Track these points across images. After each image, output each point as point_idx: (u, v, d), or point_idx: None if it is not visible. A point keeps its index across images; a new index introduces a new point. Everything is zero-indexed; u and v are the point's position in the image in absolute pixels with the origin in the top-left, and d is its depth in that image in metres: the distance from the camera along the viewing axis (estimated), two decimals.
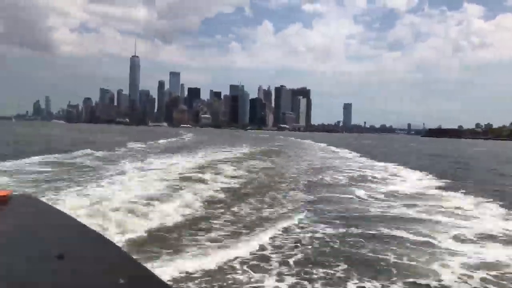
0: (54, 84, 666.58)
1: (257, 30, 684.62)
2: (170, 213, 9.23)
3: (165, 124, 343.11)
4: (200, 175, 14.78)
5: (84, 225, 2.90)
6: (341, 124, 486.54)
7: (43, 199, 7.66)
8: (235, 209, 10.23)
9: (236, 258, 6.49)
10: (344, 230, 8.39)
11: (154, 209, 9.22)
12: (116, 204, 9.18)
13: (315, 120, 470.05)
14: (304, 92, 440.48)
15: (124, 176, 13.85)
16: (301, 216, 9.68)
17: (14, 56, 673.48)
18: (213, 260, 6.32)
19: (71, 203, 8.98)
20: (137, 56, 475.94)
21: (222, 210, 10.03)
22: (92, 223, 7.47)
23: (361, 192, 13.35)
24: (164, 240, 7.38)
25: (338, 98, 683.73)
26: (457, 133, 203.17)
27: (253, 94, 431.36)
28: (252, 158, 24.63)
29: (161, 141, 45.84)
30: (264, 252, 6.96)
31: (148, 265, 5.33)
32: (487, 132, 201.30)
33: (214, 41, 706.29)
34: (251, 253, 6.79)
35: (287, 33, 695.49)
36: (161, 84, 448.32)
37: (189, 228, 8.26)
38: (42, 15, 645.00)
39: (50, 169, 15.46)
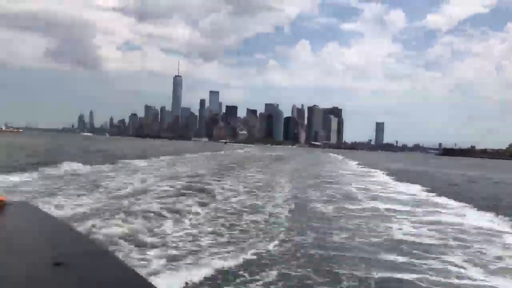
0: (98, 99, 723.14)
1: (295, 49, 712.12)
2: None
3: (206, 139, 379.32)
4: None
5: (80, 233, 3.06)
6: (372, 142, 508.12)
7: (40, 206, 8.11)
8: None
9: None
10: None
11: None
12: None
13: (349, 137, 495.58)
14: (336, 112, 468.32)
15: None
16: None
17: (63, 72, 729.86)
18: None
19: None
20: (180, 76, 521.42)
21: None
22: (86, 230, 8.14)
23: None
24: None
25: (376, 116, 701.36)
26: (469, 152, 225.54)
27: (288, 112, 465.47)
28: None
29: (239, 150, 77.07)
30: None
31: (143, 272, 5.74)
32: (496, 153, 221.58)
33: (253, 60, 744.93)
34: None
35: (325, 52, 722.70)
36: (202, 102, 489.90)
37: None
38: (90, 34, 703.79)
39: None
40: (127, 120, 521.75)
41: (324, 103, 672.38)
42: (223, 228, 10.29)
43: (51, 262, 2.05)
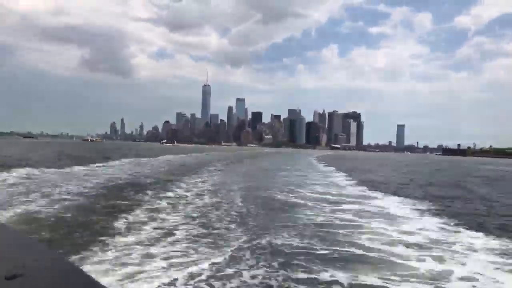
0: (129, 106, 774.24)
1: (322, 52, 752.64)
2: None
3: (234, 143, 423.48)
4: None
5: (38, 243, 2.94)
6: (393, 144, 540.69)
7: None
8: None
9: None
10: None
11: None
12: None
13: (373, 139, 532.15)
14: (355, 116, 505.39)
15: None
16: None
17: (97, 81, 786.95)
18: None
19: None
20: (208, 85, 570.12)
21: None
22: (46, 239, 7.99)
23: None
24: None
25: (401, 118, 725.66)
26: (466, 152, 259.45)
27: (312, 116, 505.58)
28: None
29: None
30: None
31: (105, 282, 5.52)
32: (486, 151, 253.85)
33: (281, 65, 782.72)
34: None
35: (352, 55, 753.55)
36: (230, 109, 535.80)
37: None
38: (124, 44, 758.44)
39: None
40: (159, 126, 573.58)
41: (351, 105, 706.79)
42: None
43: (3, 276, 1.84)
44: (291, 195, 17.90)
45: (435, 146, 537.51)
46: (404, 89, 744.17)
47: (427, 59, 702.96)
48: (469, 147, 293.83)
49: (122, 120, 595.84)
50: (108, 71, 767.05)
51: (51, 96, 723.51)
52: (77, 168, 26.69)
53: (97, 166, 29.79)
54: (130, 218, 11.10)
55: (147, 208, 12.76)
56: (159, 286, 6.26)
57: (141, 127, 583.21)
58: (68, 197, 14.14)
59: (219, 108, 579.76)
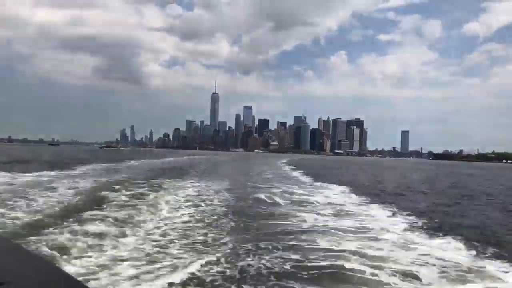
0: (140, 114, 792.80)
1: (331, 60, 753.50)
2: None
3: (242, 149, 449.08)
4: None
5: (24, 249, 2.86)
6: (398, 149, 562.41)
7: None
8: None
9: None
10: None
11: None
12: None
13: (380, 145, 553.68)
14: (358, 123, 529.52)
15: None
16: None
17: (108, 89, 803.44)
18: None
19: None
20: (217, 93, 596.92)
21: None
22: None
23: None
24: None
25: (411, 124, 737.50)
26: (454, 156, 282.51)
27: (317, 123, 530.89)
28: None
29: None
30: None
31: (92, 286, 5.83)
32: (474, 157, 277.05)
33: (291, 72, 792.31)
34: None
35: (362, 62, 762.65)
36: (237, 116, 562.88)
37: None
38: (136, 53, 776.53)
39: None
40: (170, 133, 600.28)
41: (360, 111, 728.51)
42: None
43: None
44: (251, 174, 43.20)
45: (441, 152, 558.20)
46: (413, 95, 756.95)
47: (437, 65, 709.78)
48: (458, 152, 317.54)
49: (132, 127, 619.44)
50: (120, 79, 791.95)
51: (62, 104, 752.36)
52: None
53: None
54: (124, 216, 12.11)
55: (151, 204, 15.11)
56: None
57: (151, 133, 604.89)
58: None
59: (230, 116, 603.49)
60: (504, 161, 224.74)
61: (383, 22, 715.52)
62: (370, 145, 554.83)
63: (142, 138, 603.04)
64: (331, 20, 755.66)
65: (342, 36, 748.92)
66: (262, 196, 19.48)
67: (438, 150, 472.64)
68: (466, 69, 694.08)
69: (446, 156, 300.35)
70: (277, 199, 18.76)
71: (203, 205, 15.86)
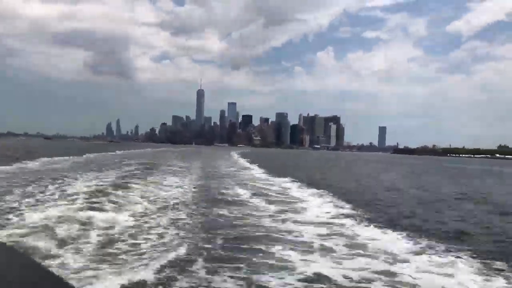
0: (129, 108, 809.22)
1: (319, 56, 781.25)
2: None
3: (226, 144, 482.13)
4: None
5: (7, 246, 2.91)
6: (374, 144, 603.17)
7: None
8: None
9: None
10: None
11: None
12: None
13: (360, 140, 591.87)
14: (335, 119, 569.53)
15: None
16: None
17: (98, 83, 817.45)
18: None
19: None
20: (202, 89, 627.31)
21: None
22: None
23: None
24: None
25: (393, 120, 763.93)
26: (415, 151, 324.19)
27: (300, 119, 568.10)
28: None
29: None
30: None
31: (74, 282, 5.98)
32: (432, 151, 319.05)
33: (280, 68, 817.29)
34: None
35: (349, 59, 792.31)
36: (222, 112, 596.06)
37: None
38: (126, 48, 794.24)
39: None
40: (157, 128, 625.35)
41: (346, 107, 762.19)
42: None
43: None
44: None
45: (418, 146, 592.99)
46: (398, 91, 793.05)
47: (422, 62, 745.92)
48: (417, 147, 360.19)
49: (118, 121, 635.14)
50: (109, 74, 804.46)
51: (48, 98, 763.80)
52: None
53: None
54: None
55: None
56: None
57: (137, 127, 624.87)
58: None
59: (217, 111, 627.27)
60: (448, 154, 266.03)
61: (371, 20, 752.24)
62: (354, 140, 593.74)
63: (128, 132, 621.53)
64: (320, 17, 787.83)
65: (330, 33, 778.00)
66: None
67: (416, 144, 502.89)
68: (450, 66, 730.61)
69: (406, 150, 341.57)
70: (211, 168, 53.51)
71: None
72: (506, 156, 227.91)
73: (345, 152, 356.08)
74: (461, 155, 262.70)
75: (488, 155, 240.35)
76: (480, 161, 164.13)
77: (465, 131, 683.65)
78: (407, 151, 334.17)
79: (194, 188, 21.50)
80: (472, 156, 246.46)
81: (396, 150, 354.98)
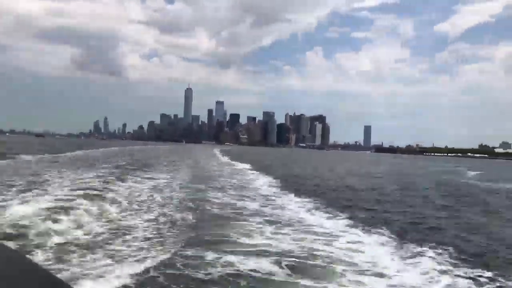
0: (116, 105, 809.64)
1: (308, 55, 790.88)
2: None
3: (214, 142, 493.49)
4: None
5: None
6: (359, 143, 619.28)
7: None
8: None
9: None
10: None
11: None
12: None
13: (347, 139, 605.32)
14: (321, 118, 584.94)
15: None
16: None
17: (86, 80, 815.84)
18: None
19: None
20: (190, 88, 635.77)
21: None
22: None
23: None
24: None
25: (379, 119, 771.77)
26: (396, 150, 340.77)
27: (287, 118, 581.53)
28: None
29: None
30: None
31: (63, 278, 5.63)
32: (413, 150, 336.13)
33: (269, 67, 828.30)
34: None
35: (337, 58, 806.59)
36: (210, 111, 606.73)
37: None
38: (115, 45, 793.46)
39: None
40: (145, 126, 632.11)
41: (332, 107, 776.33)
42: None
43: None
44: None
45: (404, 146, 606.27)
46: (385, 91, 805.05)
47: (409, 63, 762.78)
48: (398, 147, 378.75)
49: (105, 118, 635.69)
50: (98, 71, 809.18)
51: (36, 95, 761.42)
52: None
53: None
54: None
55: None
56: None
57: (124, 126, 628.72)
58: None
59: (209, 107, 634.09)
60: (424, 154, 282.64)
61: (359, 21, 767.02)
62: (341, 138, 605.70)
63: (115, 130, 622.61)
64: (309, 17, 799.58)
65: (319, 33, 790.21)
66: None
67: (401, 144, 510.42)
68: (436, 66, 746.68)
69: (386, 149, 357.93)
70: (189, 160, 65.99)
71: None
72: (475, 155, 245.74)
73: (328, 151, 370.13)
74: (435, 154, 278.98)
75: (459, 154, 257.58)
76: (444, 159, 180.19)
77: (449, 131, 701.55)
78: (387, 150, 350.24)
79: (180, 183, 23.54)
80: (446, 154, 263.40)
81: (377, 149, 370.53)
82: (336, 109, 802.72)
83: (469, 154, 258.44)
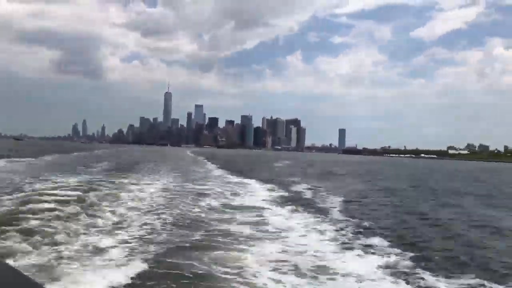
0: (96, 108, 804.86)
1: (289, 59, 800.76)
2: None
3: (193, 145, 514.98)
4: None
5: None
6: (333, 146, 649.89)
7: None
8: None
9: None
10: None
11: None
12: None
13: (323, 141, 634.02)
14: (296, 122, 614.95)
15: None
16: None
17: (65, 83, 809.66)
18: None
19: None
20: (170, 92, 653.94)
21: None
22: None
23: None
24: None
25: (356, 121, 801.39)
26: (361, 151, 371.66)
27: (266, 121, 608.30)
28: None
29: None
30: None
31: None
32: (375, 152, 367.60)
33: (250, 70, 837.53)
34: None
35: (316, 62, 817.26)
36: (189, 114, 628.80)
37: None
38: (96, 47, 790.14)
39: None
40: (124, 130, 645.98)
41: (312, 109, 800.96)
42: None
43: None
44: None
45: (378, 148, 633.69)
46: (362, 94, 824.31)
47: (386, 66, 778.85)
48: (364, 148, 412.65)
49: (84, 121, 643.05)
50: (77, 74, 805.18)
51: (13, 97, 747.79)
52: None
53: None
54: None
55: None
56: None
57: (103, 128, 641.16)
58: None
59: (189, 110, 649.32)
60: (384, 154, 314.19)
61: (338, 26, 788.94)
62: (319, 141, 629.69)
63: (93, 133, 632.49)
64: (290, 22, 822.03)
65: (300, 38, 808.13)
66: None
67: (375, 146, 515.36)
68: (413, 70, 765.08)
69: (353, 151, 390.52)
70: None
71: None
72: (427, 156, 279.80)
73: (301, 152, 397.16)
74: (391, 154, 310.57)
75: (413, 155, 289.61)
76: (390, 159, 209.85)
77: (423, 132, 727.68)
78: (353, 151, 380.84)
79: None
80: (402, 155, 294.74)
81: (344, 151, 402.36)
82: (315, 111, 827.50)
83: (422, 155, 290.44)
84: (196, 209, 16.80)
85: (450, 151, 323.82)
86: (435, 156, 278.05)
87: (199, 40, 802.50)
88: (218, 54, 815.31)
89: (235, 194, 22.80)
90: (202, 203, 18.48)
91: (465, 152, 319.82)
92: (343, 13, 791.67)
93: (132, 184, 23.91)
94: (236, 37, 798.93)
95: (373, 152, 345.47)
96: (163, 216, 14.64)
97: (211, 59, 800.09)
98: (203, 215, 15.69)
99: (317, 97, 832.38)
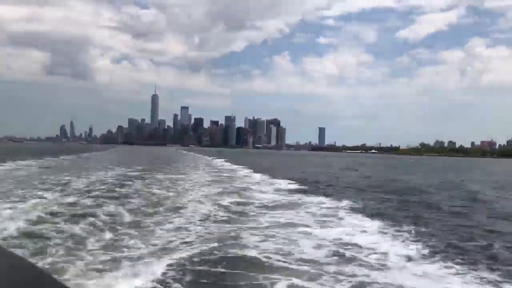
0: (84, 110, 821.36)
1: (277, 60, 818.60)
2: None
3: (178, 145, 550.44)
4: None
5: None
6: (313, 144, 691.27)
7: None
8: None
9: None
10: None
11: None
12: None
13: (307, 140, 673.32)
14: (276, 122, 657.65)
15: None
16: None
17: (54, 85, 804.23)
18: None
19: None
20: (157, 95, 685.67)
21: None
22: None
23: None
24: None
25: (340, 120, 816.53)
26: (327, 148, 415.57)
27: (250, 121, 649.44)
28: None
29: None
30: None
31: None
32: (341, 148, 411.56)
33: (238, 71, 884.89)
34: None
35: (303, 63, 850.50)
36: (175, 116, 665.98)
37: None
38: (86, 49, 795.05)
39: None
40: (113, 130, 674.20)
41: (299, 108, 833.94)
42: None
43: None
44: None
45: (358, 145, 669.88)
46: (347, 93, 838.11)
47: (371, 66, 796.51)
48: (327, 145, 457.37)
49: (71, 123, 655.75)
50: (66, 75, 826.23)
51: (3, 99, 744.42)
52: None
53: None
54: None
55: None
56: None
57: (91, 129, 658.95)
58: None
59: (177, 111, 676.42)
60: (342, 151, 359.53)
61: (325, 28, 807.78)
62: (301, 139, 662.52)
63: (81, 134, 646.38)
64: (278, 24, 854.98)
65: (287, 39, 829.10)
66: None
67: (354, 144, 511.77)
68: (396, 70, 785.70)
69: (318, 148, 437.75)
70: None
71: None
72: (374, 152, 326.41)
73: (279, 150, 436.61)
74: (348, 151, 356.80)
75: (376, 151, 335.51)
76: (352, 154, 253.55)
77: (402, 129, 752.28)
78: (319, 148, 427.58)
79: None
80: (364, 152, 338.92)
81: (312, 148, 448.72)
82: (300, 111, 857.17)
83: (373, 150, 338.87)
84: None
85: (402, 147, 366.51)
86: (380, 152, 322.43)
87: (189, 42, 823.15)
88: (208, 55, 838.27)
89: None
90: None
91: (418, 147, 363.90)
92: (330, 16, 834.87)
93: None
94: (225, 39, 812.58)
95: (335, 149, 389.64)
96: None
97: (201, 60, 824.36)
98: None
99: (302, 97, 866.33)
